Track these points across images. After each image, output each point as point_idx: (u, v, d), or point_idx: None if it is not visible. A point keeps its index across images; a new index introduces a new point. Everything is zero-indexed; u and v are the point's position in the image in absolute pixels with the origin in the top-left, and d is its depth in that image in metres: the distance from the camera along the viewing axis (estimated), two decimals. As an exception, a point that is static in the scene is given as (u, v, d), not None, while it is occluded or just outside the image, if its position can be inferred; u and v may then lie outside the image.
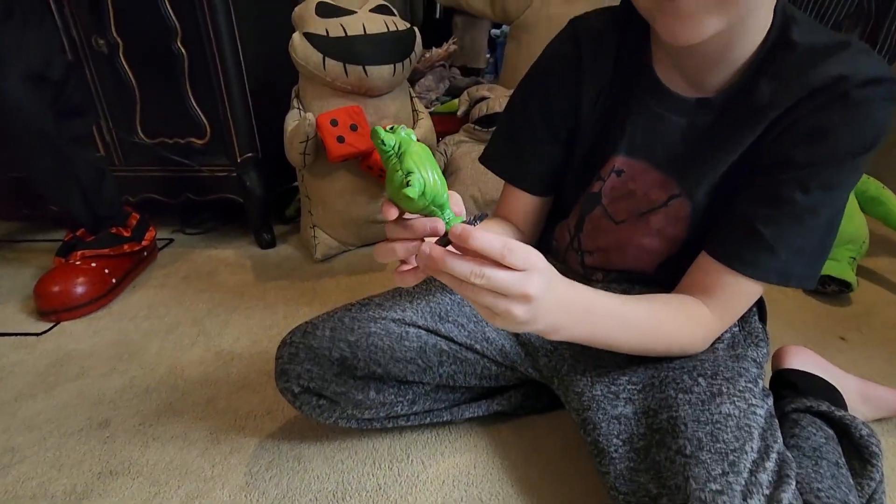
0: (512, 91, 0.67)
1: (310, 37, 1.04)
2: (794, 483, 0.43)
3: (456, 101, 1.46)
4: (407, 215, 0.40)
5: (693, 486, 0.42)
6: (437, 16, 2.05)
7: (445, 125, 1.40)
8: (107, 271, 1.06)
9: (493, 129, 0.91)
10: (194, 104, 1.18)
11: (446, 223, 0.39)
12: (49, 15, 1.08)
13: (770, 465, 0.44)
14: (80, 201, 1.04)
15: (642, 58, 0.56)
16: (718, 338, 0.57)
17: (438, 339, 0.62)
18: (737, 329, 0.60)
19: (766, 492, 0.42)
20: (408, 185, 0.36)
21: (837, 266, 1.01)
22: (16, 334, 0.96)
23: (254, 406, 0.77)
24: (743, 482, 0.42)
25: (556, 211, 0.69)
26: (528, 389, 0.70)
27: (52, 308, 1.00)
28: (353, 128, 1.06)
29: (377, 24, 1.07)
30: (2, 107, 0.88)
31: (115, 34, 1.12)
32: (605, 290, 0.61)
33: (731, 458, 0.44)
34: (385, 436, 0.70)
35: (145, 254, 1.19)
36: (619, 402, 0.54)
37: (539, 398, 0.70)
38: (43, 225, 1.40)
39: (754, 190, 0.51)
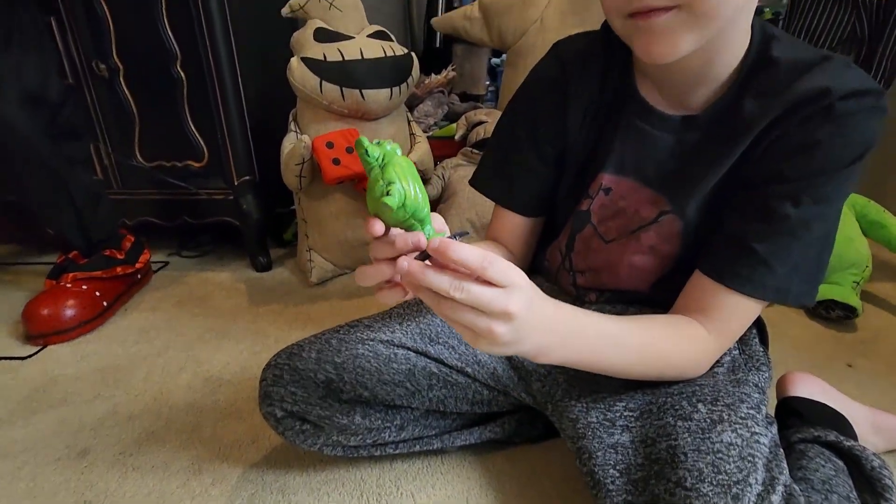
0: (507, 115, 0.67)
1: (307, 61, 1.05)
2: (802, 519, 0.41)
3: (454, 125, 1.46)
4: (391, 232, 0.39)
5: (695, 521, 0.40)
6: (438, 45, 2.08)
7: (443, 149, 1.41)
8: (98, 294, 1.05)
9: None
10: (192, 128, 1.18)
11: (427, 237, 0.38)
12: (49, 39, 1.10)
13: (776, 498, 0.41)
14: (73, 224, 1.03)
15: (626, 79, 0.56)
16: (718, 361, 0.55)
17: (428, 361, 0.60)
18: (737, 352, 0.58)
19: (773, 528, 0.39)
20: (388, 194, 0.35)
21: (841, 290, 0.99)
22: (0, 358, 0.94)
23: (239, 434, 0.74)
24: (748, 517, 0.39)
25: (549, 232, 0.68)
26: (522, 416, 0.67)
27: (39, 331, 0.98)
28: (349, 150, 1.05)
29: (375, 50, 1.08)
30: None
31: (116, 58, 1.13)
32: (599, 311, 0.59)
33: (734, 490, 0.41)
34: (373, 466, 0.67)
35: (139, 277, 1.18)
36: (616, 429, 0.51)
37: (534, 425, 0.68)
38: (37, 248, 1.39)
39: (746, 206, 0.50)
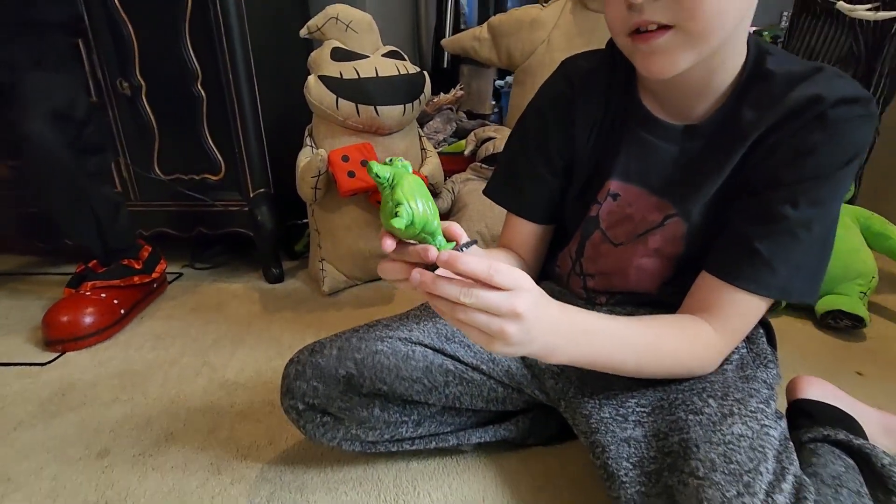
0: (515, 131, 0.70)
1: (324, 79, 1.09)
2: (813, 508, 0.42)
3: (463, 141, 1.50)
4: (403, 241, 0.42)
5: (708, 508, 0.41)
6: (445, 65, 2.15)
7: (453, 164, 1.44)
8: (116, 302, 1.07)
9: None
10: (211, 142, 1.22)
11: (438, 248, 0.41)
12: (76, 60, 1.15)
13: (787, 486, 0.42)
14: (93, 234, 1.06)
15: (631, 92, 0.59)
16: (727, 359, 0.56)
17: (445, 358, 0.61)
18: (745, 351, 0.59)
19: (785, 514, 0.40)
20: (396, 215, 0.38)
21: (848, 301, 1.00)
22: (21, 364, 0.96)
23: (256, 436, 0.76)
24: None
25: (559, 240, 0.70)
26: (536, 415, 0.68)
27: (58, 338, 1.00)
28: (364, 163, 1.09)
29: (388, 68, 1.12)
30: (27, 144, 0.93)
31: (139, 77, 1.18)
32: (610, 313, 0.61)
33: (745, 479, 0.42)
34: (390, 466, 0.68)
35: (155, 286, 1.20)
36: (629, 424, 0.52)
37: (548, 425, 0.69)
38: (57, 259, 1.42)
39: (748, 209, 0.53)
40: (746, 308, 0.52)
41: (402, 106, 1.13)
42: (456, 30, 2.17)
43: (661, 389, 0.55)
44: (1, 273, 1.38)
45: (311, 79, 1.11)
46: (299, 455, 0.71)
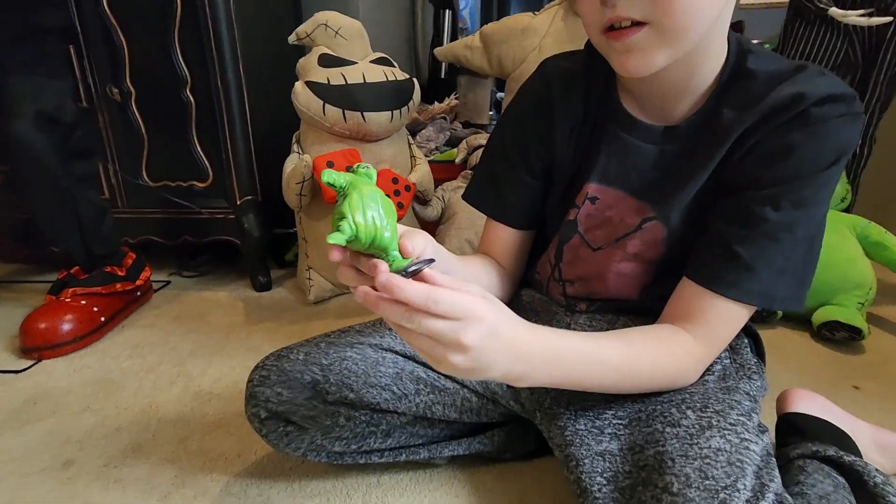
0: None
1: (311, 85, 1.08)
2: (795, 529, 0.39)
3: (454, 150, 1.49)
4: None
5: (681, 527, 0.38)
6: (443, 75, 2.14)
7: (444, 172, 1.42)
8: (96, 309, 1.05)
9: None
10: (199, 149, 1.21)
11: (389, 264, 0.38)
12: (67, 65, 1.15)
13: (766, 505, 0.39)
14: (77, 239, 1.05)
15: (610, 93, 0.57)
16: (708, 369, 0.53)
17: (416, 365, 0.59)
18: (728, 361, 0.56)
19: (762, 536, 0.38)
20: (337, 230, 0.36)
21: (846, 312, 0.97)
22: (-5, 371, 0.94)
23: (226, 448, 0.73)
24: (735, 523, 0.38)
25: (539, 247, 0.68)
26: (512, 429, 0.65)
27: (35, 345, 0.98)
28: (349, 170, 1.07)
29: (376, 74, 1.11)
30: (13, 145, 0.93)
31: (129, 83, 1.18)
32: (590, 320, 0.58)
33: (721, 496, 0.39)
34: (360, 480, 0.65)
35: (139, 294, 1.18)
36: (604, 437, 0.50)
37: (526, 440, 0.66)
38: (42, 266, 1.41)
39: (728, 211, 0.50)
40: (728, 315, 0.50)
41: (389, 112, 1.12)
42: (454, 40, 2.17)
43: (640, 401, 0.52)
44: (-13, 280, 1.37)
45: (299, 84, 1.10)
46: (267, 468, 0.69)
